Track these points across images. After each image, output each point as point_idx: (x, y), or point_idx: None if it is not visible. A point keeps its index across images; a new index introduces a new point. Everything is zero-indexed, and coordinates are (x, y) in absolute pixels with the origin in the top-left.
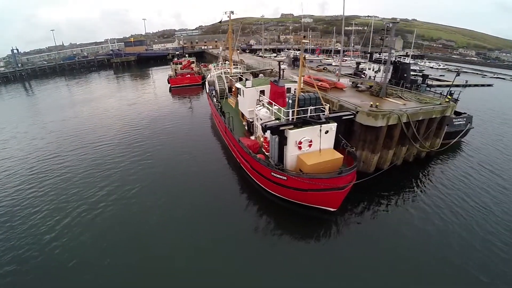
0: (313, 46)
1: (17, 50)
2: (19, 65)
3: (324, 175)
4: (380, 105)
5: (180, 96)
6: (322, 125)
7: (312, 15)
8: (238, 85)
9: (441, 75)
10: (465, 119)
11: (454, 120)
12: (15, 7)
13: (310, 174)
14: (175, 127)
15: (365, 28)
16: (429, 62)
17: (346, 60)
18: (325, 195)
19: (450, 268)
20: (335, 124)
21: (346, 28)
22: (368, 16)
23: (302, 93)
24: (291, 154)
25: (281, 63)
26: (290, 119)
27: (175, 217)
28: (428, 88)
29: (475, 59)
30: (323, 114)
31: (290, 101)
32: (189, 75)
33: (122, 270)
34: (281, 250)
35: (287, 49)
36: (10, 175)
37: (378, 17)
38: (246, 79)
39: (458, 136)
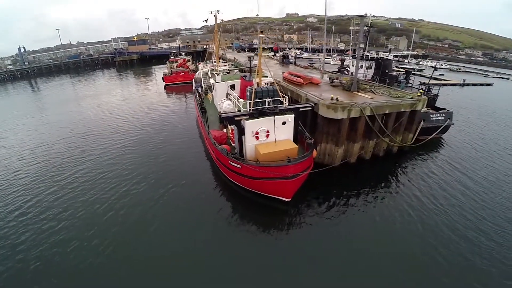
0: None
1: (24, 48)
2: (26, 63)
3: (273, 164)
4: (352, 99)
5: (173, 94)
6: (278, 116)
7: (317, 15)
8: (211, 80)
9: (440, 75)
10: (444, 114)
11: (431, 115)
12: (24, 6)
13: (261, 163)
14: (164, 123)
15: (370, 28)
16: (431, 62)
17: (345, 59)
18: (276, 184)
19: (401, 263)
20: (293, 115)
21: (350, 27)
22: (374, 16)
23: (261, 86)
24: (249, 144)
25: (252, 58)
26: (248, 110)
27: (141, 205)
28: (410, 84)
29: (481, 59)
30: (281, 106)
31: (248, 93)
32: (183, 73)
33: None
34: (233, 240)
35: (288, 48)
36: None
37: (384, 17)
38: (217, 74)
39: (436, 132)
